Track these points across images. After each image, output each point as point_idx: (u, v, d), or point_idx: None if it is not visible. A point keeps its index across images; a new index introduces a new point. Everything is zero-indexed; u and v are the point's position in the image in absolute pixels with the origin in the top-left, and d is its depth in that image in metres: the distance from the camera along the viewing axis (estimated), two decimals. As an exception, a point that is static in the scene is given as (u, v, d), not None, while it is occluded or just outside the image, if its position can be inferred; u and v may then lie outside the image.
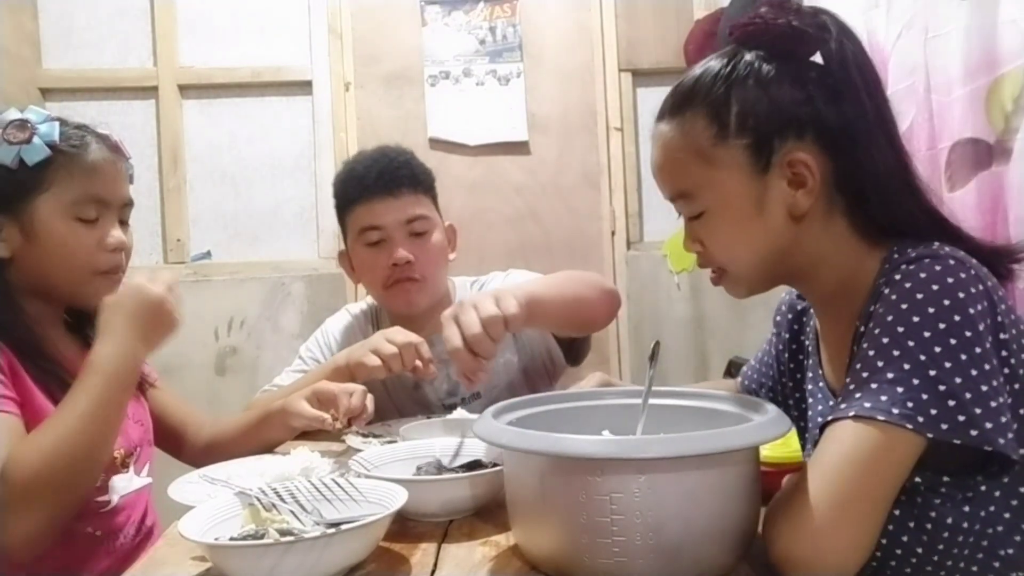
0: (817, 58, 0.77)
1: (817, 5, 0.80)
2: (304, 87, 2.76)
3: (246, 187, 2.76)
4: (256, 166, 2.76)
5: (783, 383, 0.99)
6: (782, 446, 0.90)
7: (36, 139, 1.02)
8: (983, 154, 1.33)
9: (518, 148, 2.83)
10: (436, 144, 2.78)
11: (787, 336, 0.97)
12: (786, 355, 0.97)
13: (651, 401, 0.83)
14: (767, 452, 0.86)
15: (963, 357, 0.65)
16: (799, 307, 0.96)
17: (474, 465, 0.92)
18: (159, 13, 2.72)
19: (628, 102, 2.84)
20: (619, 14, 2.83)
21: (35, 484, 0.87)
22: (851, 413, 0.66)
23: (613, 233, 2.83)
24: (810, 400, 0.88)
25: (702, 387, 1.17)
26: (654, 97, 2.83)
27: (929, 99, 1.43)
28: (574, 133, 2.85)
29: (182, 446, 1.28)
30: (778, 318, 1.00)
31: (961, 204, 1.35)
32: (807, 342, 0.92)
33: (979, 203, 1.34)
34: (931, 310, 0.67)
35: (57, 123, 1.05)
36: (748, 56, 0.77)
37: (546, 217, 2.84)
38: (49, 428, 0.92)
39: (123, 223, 1.12)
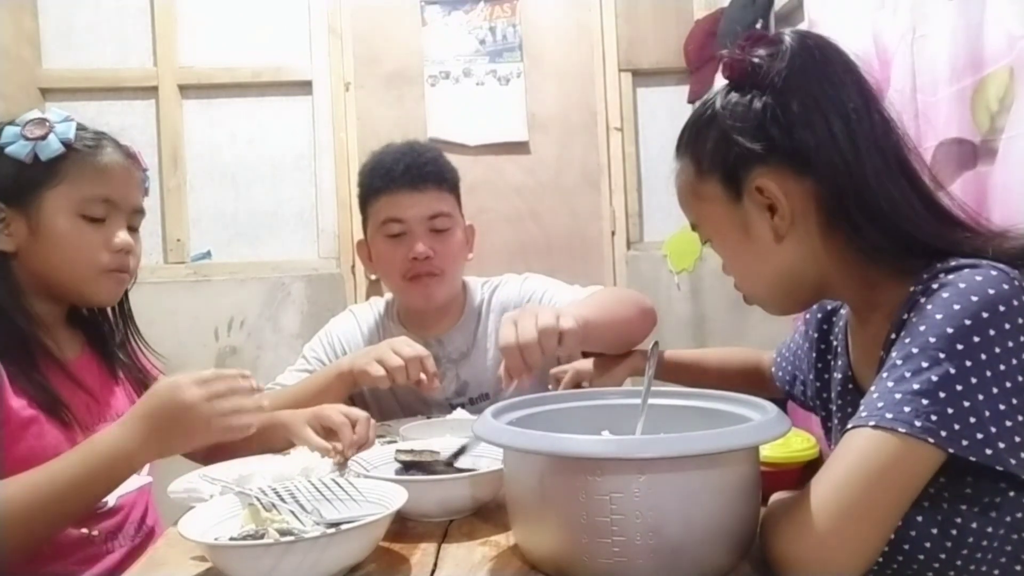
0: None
1: (799, 28, 0.81)
2: (304, 87, 2.76)
3: (246, 187, 2.76)
4: (256, 166, 2.76)
5: (810, 380, 0.98)
6: (782, 446, 0.90)
7: (52, 136, 1.03)
8: (968, 154, 1.32)
9: (518, 148, 2.83)
10: (436, 144, 2.77)
11: (816, 335, 0.96)
12: (814, 354, 0.96)
13: (651, 401, 0.83)
14: (767, 452, 0.86)
15: (988, 374, 0.64)
16: (829, 307, 0.96)
17: (424, 456, 0.93)
18: (159, 13, 2.72)
19: (628, 102, 2.84)
20: (619, 14, 2.83)
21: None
22: (871, 423, 0.65)
23: (613, 233, 2.83)
24: (839, 402, 0.87)
25: (720, 352, 1.26)
26: (654, 97, 2.87)
27: (915, 99, 1.42)
28: (574, 133, 2.85)
29: None
30: (807, 315, 1.00)
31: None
32: (835, 342, 0.92)
33: (963, 203, 1.33)
34: (967, 322, 0.65)
35: (75, 123, 1.06)
36: (719, 94, 0.81)
37: (546, 217, 2.84)
38: (22, 487, 0.87)
39: (132, 229, 1.12)
